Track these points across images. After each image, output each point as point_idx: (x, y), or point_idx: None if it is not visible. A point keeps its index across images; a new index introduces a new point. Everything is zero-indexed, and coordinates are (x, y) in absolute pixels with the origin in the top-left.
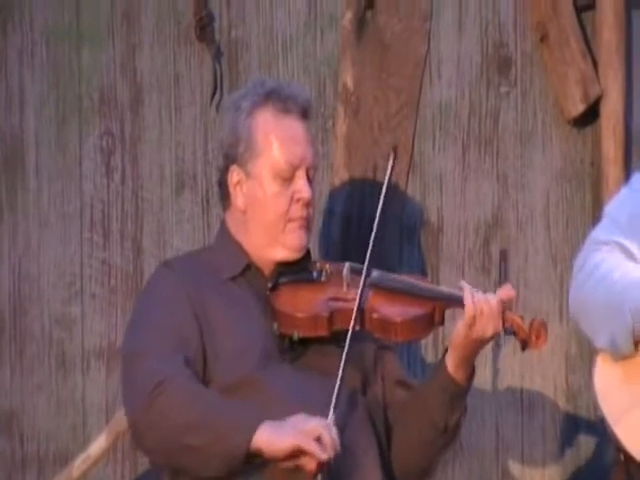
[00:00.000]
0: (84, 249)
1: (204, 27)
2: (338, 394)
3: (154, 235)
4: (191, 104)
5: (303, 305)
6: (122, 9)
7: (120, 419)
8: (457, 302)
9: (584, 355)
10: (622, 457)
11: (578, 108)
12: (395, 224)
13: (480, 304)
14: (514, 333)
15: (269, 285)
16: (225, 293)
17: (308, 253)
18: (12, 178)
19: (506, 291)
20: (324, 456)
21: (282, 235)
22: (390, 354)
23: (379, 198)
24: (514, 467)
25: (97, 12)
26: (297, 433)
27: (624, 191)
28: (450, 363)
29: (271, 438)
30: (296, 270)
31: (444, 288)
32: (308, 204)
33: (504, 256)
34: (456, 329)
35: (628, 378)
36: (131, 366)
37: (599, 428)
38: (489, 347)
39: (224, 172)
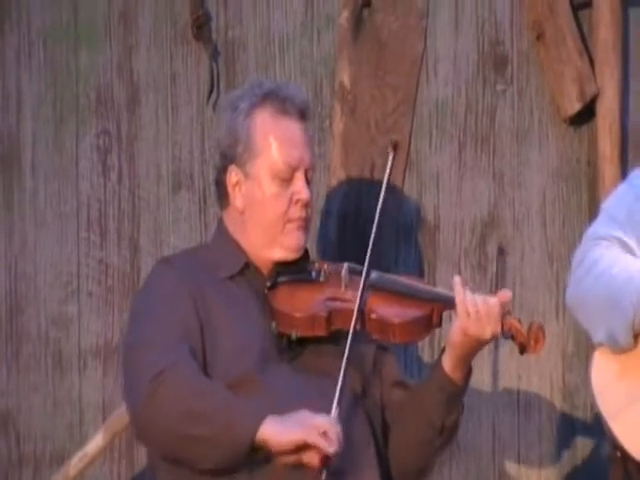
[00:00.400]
0: (81, 248)
1: (201, 27)
2: (341, 391)
3: (151, 234)
4: (188, 103)
5: (301, 305)
6: (119, 9)
7: (117, 418)
8: (454, 304)
9: (581, 353)
10: (619, 454)
11: (574, 106)
12: (392, 222)
13: (472, 298)
14: (512, 337)
15: (267, 284)
16: (224, 292)
17: (306, 253)
18: (9, 177)
19: (504, 293)
20: (331, 450)
21: (281, 236)
22: (388, 355)
23: (378, 195)
24: (511, 467)
25: (94, 12)
26: (304, 427)
27: (622, 187)
28: (447, 363)
29: (277, 430)
30: (294, 270)
31: (442, 290)
32: (307, 205)
33: (501, 252)
34: (452, 328)
35: (625, 374)
36: (133, 358)
37: (596, 427)
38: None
39: (222, 172)
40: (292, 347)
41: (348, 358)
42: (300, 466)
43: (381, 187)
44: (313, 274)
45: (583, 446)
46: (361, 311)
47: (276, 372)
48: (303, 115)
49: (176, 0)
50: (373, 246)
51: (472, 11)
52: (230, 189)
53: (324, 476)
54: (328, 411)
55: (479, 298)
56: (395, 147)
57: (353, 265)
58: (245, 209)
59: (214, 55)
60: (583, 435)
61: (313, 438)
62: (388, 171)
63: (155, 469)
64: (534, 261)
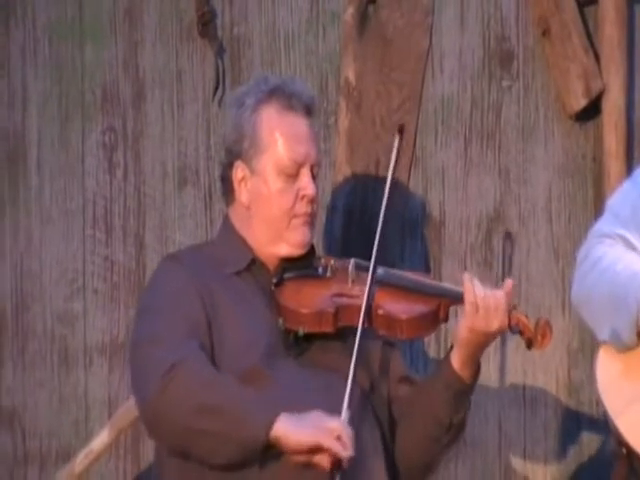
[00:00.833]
0: (86, 245)
1: (206, 24)
2: (350, 392)
3: (156, 231)
4: (193, 100)
5: (308, 301)
6: (124, 6)
7: (122, 414)
8: (461, 299)
9: (586, 349)
10: (624, 451)
11: (580, 103)
12: (397, 218)
13: (482, 296)
14: (520, 332)
15: (274, 280)
16: (231, 287)
17: (312, 248)
18: (14, 175)
19: (508, 283)
20: (345, 454)
21: (286, 231)
22: (394, 350)
23: (382, 194)
24: (516, 463)
25: (100, 9)
26: (318, 429)
27: (627, 184)
28: (456, 360)
29: (291, 430)
30: (301, 265)
31: (448, 285)
32: (312, 201)
33: (507, 248)
34: (459, 325)
35: (630, 372)
36: (141, 354)
37: (601, 423)
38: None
39: (227, 168)
40: (299, 343)
41: (357, 357)
42: (310, 466)
43: (386, 185)
44: (320, 270)
45: (589, 442)
46: (368, 307)
47: (283, 368)
48: (309, 111)
49: None
50: (379, 242)
51: (477, 7)
52: (236, 185)
53: (337, 479)
54: (336, 407)
55: (487, 292)
56: (401, 131)
57: (360, 261)
58: (251, 205)
59: (219, 52)
60: (589, 431)
61: (328, 442)
62: (394, 156)
63: (162, 465)
64: (540, 257)
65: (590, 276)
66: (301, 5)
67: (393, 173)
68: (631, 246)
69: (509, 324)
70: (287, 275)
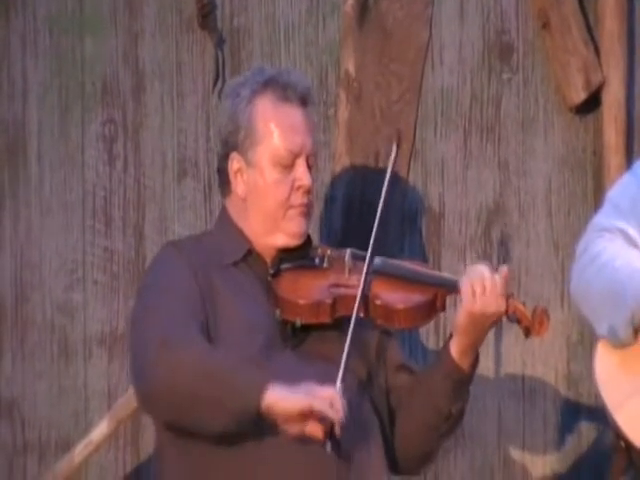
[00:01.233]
0: (86, 237)
1: (206, 15)
2: (345, 373)
3: (156, 222)
4: (193, 92)
5: (305, 292)
6: None
7: (122, 405)
8: (459, 288)
9: (585, 342)
10: (622, 444)
11: (580, 96)
12: (397, 211)
13: (480, 279)
14: (517, 320)
15: (271, 271)
16: (228, 278)
17: (309, 239)
18: (14, 166)
19: (503, 270)
20: (336, 418)
21: (282, 222)
22: (391, 340)
23: (382, 186)
24: (515, 454)
25: (100, 0)
26: (309, 394)
27: (627, 176)
28: (455, 350)
29: (283, 396)
30: (298, 256)
31: (446, 274)
32: (308, 191)
33: (506, 241)
34: (458, 312)
35: (629, 365)
36: (139, 326)
37: (600, 415)
38: (491, 335)
39: (223, 159)
40: (296, 334)
41: (352, 339)
42: (304, 440)
43: (385, 176)
44: (316, 260)
45: (587, 434)
46: (365, 297)
47: (280, 359)
48: (305, 101)
49: None
50: (377, 234)
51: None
52: (232, 176)
53: (329, 446)
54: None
55: (484, 274)
56: (399, 139)
57: (356, 251)
58: (247, 196)
59: (219, 43)
60: (587, 423)
61: (319, 405)
62: (391, 164)
63: (162, 455)
64: (539, 250)
65: (589, 271)
66: None
67: (391, 179)
68: (631, 240)
69: (507, 312)
70: (284, 266)
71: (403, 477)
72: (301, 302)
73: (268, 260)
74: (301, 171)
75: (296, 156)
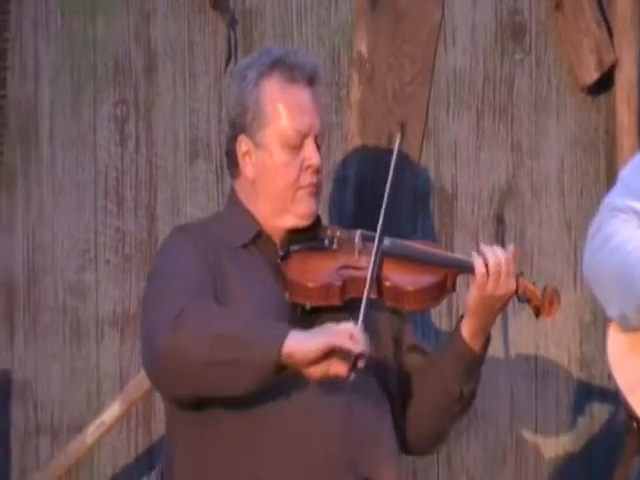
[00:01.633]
0: (98, 217)
1: None
2: (365, 309)
3: (168, 203)
4: (205, 72)
5: (315, 274)
6: None
7: (134, 387)
8: (468, 268)
9: (598, 323)
10: (635, 425)
11: (592, 76)
12: (409, 191)
13: (492, 258)
14: (528, 300)
15: (280, 254)
16: (238, 260)
17: (318, 219)
18: (26, 146)
19: (511, 249)
20: (358, 350)
21: (292, 204)
22: (403, 320)
23: (394, 164)
24: (528, 436)
25: None
26: (329, 333)
27: (639, 156)
28: (466, 331)
29: (303, 340)
30: (307, 237)
31: (456, 255)
32: (317, 171)
33: (519, 222)
34: (470, 293)
35: None
36: (152, 307)
37: (612, 396)
38: (503, 316)
39: (232, 141)
40: (305, 316)
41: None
42: (327, 383)
43: (395, 160)
44: (326, 242)
45: (600, 415)
46: (375, 278)
47: None
48: (312, 81)
49: None
50: (389, 215)
51: None
52: (240, 159)
53: (352, 376)
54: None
55: (499, 255)
56: (402, 129)
57: (366, 232)
58: (256, 178)
59: (231, 24)
60: (600, 404)
61: (340, 341)
62: (395, 153)
63: (174, 436)
64: (552, 230)
65: (601, 252)
66: None
67: (399, 163)
68: None
69: (517, 291)
70: (293, 248)
71: (415, 457)
72: (310, 285)
73: (277, 242)
74: (310, 151)
75: (304, 136)
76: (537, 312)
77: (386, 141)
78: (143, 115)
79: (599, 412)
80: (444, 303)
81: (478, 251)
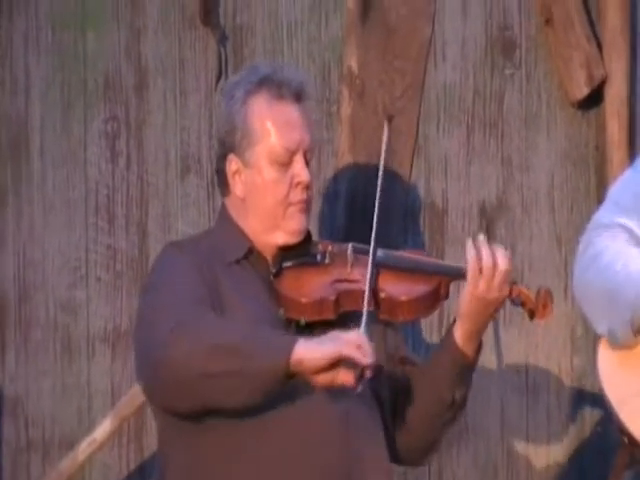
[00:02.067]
0: (89, 234)
1: (209, 12)
2: (367, 314)
3: (159, 219)
4: (196, 89)
5: (308, 290)
6: None
7: (125, 403)
8: (461, 274)
9: (589, 336)
10: (626, 440)
11: (582, 91)
12: (399, 206)
13: (485, 256)
14: (522, 304)
15: (273, 270)
16: (232, 275)
17: (309, 234)
18: (17, 163)
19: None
20: (366, 361)
21: (283, 220)
22: (395, 332)
23: (384, 179)
24: (519, 448)
25: None
26: (337, 342)
27: (628, 172)
28: (458, 334)
29: (311, 348)
30: (299, 253)
31: (447, 262)
32: (307, 187)
33: (509, 237)
34: (462, 297)
35: (632, 361)
36: (146, 322)
37: (603, 410)
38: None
39: (221, 160)
40: (300, 332)
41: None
42: (333, 391)
43: (386, 171)
44: (318, 257)
45: (591, 429)
46: (370, 290)
47: None
48: (300, 97)
49: None
50: (379, 229)
51: None
52: (230, 177)
53: (360, 388)
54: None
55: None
56: (390, 120)
57: (357, 244)
58: (246, 196)
59: (222, 40)
60: (591, 418)
61: (348, 350)
62: (384, 144)
63: (167, 453)
64: (542, 245)
65: (590, 270)
66: None
67: (385, 160)
68: (633, 235)
69: (510, 296)
70: (285, 264)
71: (407, 468)
72: (304, 300)
73: (269, 258)
74: (299, 167)
75: (293, 153)
76: (531, 315)
77: (377, 156)
78: (134, 132)
79: (590, 425)
80: (435, 315)
81: (471, 253)
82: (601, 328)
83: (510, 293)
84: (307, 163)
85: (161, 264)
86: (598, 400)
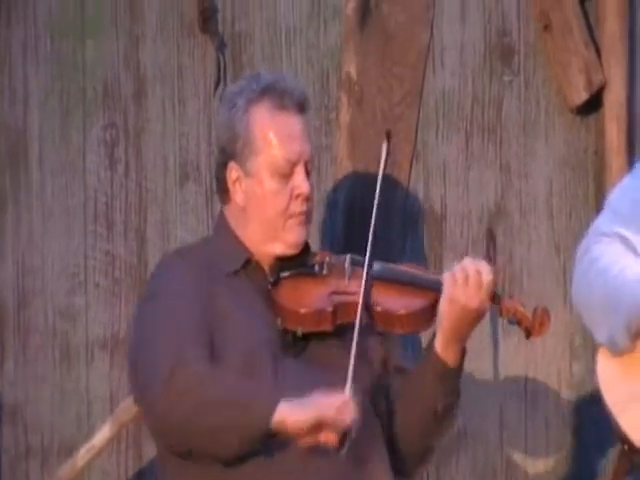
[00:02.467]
0: (88, 241)
1: (207, 19)
2: (354, 370)
3: (158, 226)
4: (194, 96)
5: (306, 300)
6: (125, 1)
7: (124, 409)
8: None
9: (588, 344)
10: (625, 447)
11: (581, 97)
12: (398, 213)
13: (464, 270)
14: (518, 322)
15: (271, 280)
16: (229, 288)
17: (307, 245)
18: (16, 171)
19: (492, 267)
20: (347, 423)
21: (282, 231)
22: (392, 342)
23: (382, 187)
24: (517, 456)
25: (101, 4)
26: (318, 405)
27: (627, 180)
28: (438, 342)
29: (294, 410)
30: (297, 264)
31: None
32: (308, 198)
33: (508, 243)
34: (441, 307)
35: (631, 368)
36: (142, 356)
37: (602, 417)
38: (492, 336)
39: (222, 167)
40: (297, 342)
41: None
42: (318, 449)
43: (383, 178)
44: (316, 267)
45: (590, 436)
46: (366, 304)
47: (284, 368)
48: (302, 107)
49: None
50: (378, 237)
51: (479, 1)
52: (230, 185)
53: (344, 451)
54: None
55: (471, 266)
56: (388, 136)
57: (355, 256)
58: (246, 205)
59: (221, 47)
60: (590, 425)
61: (329, 414)
62: (383, 161)
63: (165, 459)
64: (541, 251)
65: (588, 276)
66: (302, 0)
67: (388, 182)
68: (629, 245)
69: (500, 310)
70: (283, 274)
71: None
72: (302, 311)
73: (267, 269)
74: (300, 179)
75: (294, 164)
76: (528, 334)
77: (375, 163)
78: (132, 139)
79: (589, 433)
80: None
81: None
82: (601, 335)
83: (500, 309)
84: (308, 174)
85: (159, 279)
86: (597, 407)
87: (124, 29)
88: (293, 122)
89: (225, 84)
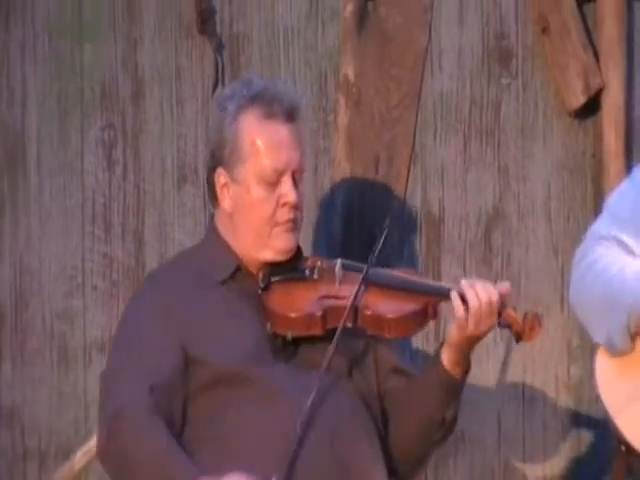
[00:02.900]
0: (86, 243)
1: (205, 20)
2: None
3: (156, 228)
4: (192, 97)
5: (296, 305)
6: (123, 3)
7: None
8: (449, 296)
9: (585, 346)
10: (623, 448)
11: (579, 100)
12: (396, 216)
13: (472, 299)
14: (509, 326)
15: (261, 285)
16: (216, 298)
17: (299, 250)
18: (14, 172)
19: (504, 286)
20: None
21: (269, 239)
22: (383, 343)
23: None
24: (515, 459)
25: (98, 5)
26: None
27: (625, 183)
28: (447, 359)
29: None
30: (288, 268)
31: (437, 282)
32: (295, 207)
33: (506, 246)
34: (450, 329)
35: (629, 370)
36: (102, 389)
37: (600, 420)
38: (491, 340)
39: (211, 172)
40: (287, 347)
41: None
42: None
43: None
44: (306, 272)
45: (588, 439)
46: (356, 307)
47: (275, 372)
48: (291, 116)
49: None
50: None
51: (477, 4)
52: (218, 190)
53: None
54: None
55: (484, 295)
56: (389, 219)
57: (346, 261)
58: (233, 211)
59: (219, 49)
60: (588, 428)
61: None
62: (381, 243)
63: None
64: (539, 254)
65: (586, 279)
66: (300, 2)
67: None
68: (627, 249)
69: (499, 321)
70: (274, 279)
71: None
72: (292, 315)
73: (257, 272)
74: (286, 188)
75: (281, 173)
76: (518, 338)
77: (373, 165)
78: (130, 140)
79: (586, 435)
80: (432, 328)
81: (458, 290)
82: (599, 336)
83: (498, 319)
84: (296, 183)
85: (132, 312)
86: (595, 409)
87: (122, 30)
88: (281, 130)
89: (223, 85)
